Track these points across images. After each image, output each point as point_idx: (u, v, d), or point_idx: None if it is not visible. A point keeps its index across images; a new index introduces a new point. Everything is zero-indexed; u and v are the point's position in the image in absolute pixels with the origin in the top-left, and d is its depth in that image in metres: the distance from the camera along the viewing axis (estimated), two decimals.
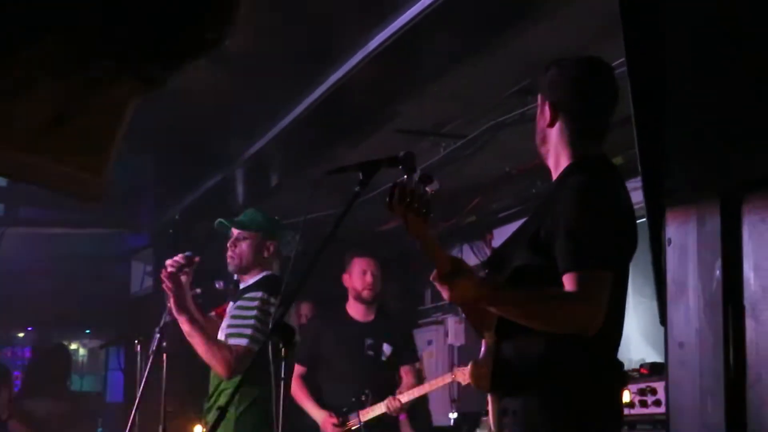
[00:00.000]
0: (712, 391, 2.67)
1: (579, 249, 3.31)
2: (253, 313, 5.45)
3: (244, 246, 5.77)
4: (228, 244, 5.81)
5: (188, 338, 5.48)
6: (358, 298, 7.26)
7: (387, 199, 3.29)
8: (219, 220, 5.93)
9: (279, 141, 7.48)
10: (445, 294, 3.39)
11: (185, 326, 5.48)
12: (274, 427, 3.92)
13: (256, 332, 5.38)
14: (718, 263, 2.68)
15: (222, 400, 5.33)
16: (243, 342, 5.37)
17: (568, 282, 3.30)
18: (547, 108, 3.66)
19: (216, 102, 7.04)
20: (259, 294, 5.52)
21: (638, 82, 3.23)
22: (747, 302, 2.64)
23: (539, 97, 3.74)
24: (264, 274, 5.75)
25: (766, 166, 2.65)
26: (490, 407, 3.74)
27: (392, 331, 7.38)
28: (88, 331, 13.39)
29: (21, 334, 13.12)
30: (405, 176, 3.37)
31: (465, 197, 8.69)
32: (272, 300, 5.45)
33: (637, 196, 3.51)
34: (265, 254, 5.77)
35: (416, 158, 3.69)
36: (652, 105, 3.09)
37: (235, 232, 5.81)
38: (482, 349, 3.67)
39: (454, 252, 9.79)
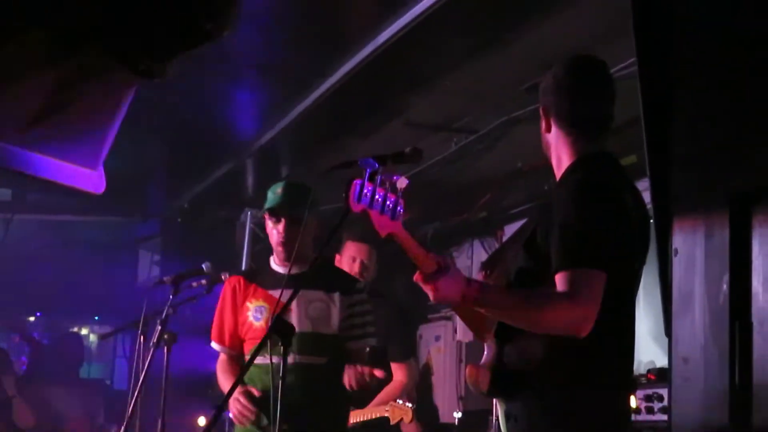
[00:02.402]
0: (716, 412, 2.58)
1: (569, 248, 3.24)
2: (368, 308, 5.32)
3: (303, 231, 5.09)
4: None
5: None
6: None
7: (343, 196, 3.22)
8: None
9: (289, 132, 7.44)
10: (430, 294, 3.31)
11: None
12: (272, 425, 3.81)
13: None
14: (726, 277, 2.58)
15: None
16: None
17: (559, 282, 3.23)
18: (541, 113, 3.64)
19: (227, 92, 6.98)
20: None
21: (648, 84, 3.14)
22: (755, 319, 2.54)
23: None
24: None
25: None
26: (498, 410, 3.68)
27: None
28: (97, 318, 13.37)
29: (31, 318, 13.09)
30: (366, 173, 3.28)
31: (476, 193, 8.63)
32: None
33: (646, 197, 3.42)
34: (314, 235, 5.39)
35: (423, 154, 3.60)
36: (661, 108, 3.00)
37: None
38: (485, 352, 3.60)
39: (465, 247, 9.72)
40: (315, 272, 4.98)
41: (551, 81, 3.64)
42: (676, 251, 2.72)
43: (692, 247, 2.68)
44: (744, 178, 2.68)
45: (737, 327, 2.57)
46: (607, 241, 3.27)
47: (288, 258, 5.19)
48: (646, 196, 3.39)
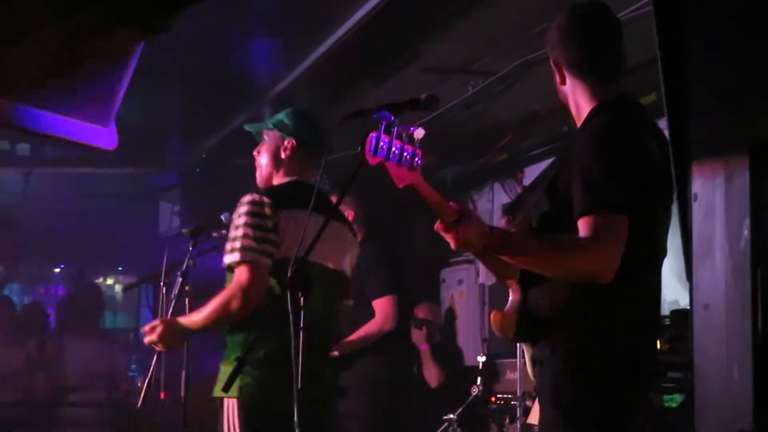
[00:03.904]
0: (739, 358, 2.55)
1: (590, 193, 3.22)
2: (242, 221, 4.50)
3: (262, 150, 4.94)
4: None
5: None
6: None
7: (359, 149, 3.19)
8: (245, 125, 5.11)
9: (304, 79, 7.38)
10: (451, 243, 3.30)
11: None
12: (294, 381, 3.75)
13: (249, 241, 4.47)
14: (747, 222, 2.54)
15: (229, 353, 4.65)
16: (235, 257, 4.48)
17: (582, 227, 3.22)
18: (553, 67, 3.63)
19: (242, 40, 6.94)
20: (247, 198, 4.58)
21: (664, 24, 3.09)
22: None
23: None
24: (287, 180, 4.87)
25: None
26: (526, 355, 3.69)
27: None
28: (120, 269, 13.44)
29: (57, 270, 13.17)
30: (382, 125, 3.24)
31: (495, 135, 8.58)
32: (266, 201, 4.51)
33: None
34: (282, 155, 4.85)
35: (440, 100, 3.57)
36: (678, 50, 2.94)
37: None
38: (510, 297, 3.59)
39: (485, 190, 9.68)
40: None
41: (556, 33, 3.61)
42: (696, 196, 2.68)
43: (712, 193, 2.64)
44: (764, 121, 2.63)
45: (759, 273, 2.54)
46: (629, 184, 3.25)
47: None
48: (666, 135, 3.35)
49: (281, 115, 4.96)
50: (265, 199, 4.53)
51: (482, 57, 6.89)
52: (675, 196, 3.16)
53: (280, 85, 7.71)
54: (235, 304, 4.47)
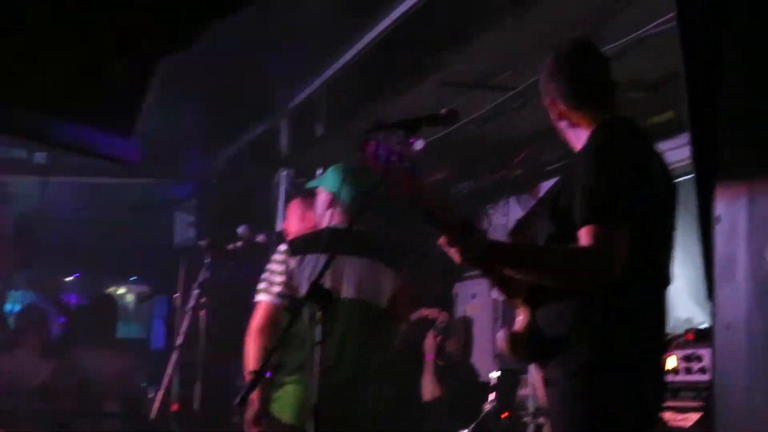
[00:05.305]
0: (760, 382, 2.53)
1: (589, 203, 3.27)
2: (267, 266, 5.28)
3: (314, 203, 5.64)
4: None
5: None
6: None
7: (360, 151, 3.26)
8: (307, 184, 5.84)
9: (324, 91, 7.41)
10: (454, 257, 3.34)
11: None
12: (312, 392, 3.79)
13: (264, 284, 5.22)
14: None
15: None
16: (256, 297, 5.24)
17: (582, 237, 3.26)
18: (549, 107, 3.77)
19: (261, 51, 6.95)
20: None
21: (690, 41, 3.08)
22: None
23: None
24: (317, 229, 5.49)
25: None
26: (537, 376, 3.70)
27: None
28: (133, 279, 13.43)
29: (69, 279, 13.16)
30: (381, 136, 3.31)
31: (512, 150, 8.57)
32: (282, 249, 5.24)
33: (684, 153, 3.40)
34: (321, 208, 5.53)
35: (459, 114, 3.64)
36: (703, 68, 2.94)
37: None
38: (518, 317, 3.60)
39: (501, 205, 9.67)
40: None
41: (545, 73, 3.77)
42: (719, 218, 2.67)
43: (735, 216, 2.63)
44: None
45: None
46: (629, 194, 3.31)
47: None
48: (686, 151, 3.37)
49: (327, 173, 5.54)
50: (282, 248, 5.25)
51: (501, 71, 6.89)
52: (692, 213, 3.16)
53: (299, 97, 7.74)
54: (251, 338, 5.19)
